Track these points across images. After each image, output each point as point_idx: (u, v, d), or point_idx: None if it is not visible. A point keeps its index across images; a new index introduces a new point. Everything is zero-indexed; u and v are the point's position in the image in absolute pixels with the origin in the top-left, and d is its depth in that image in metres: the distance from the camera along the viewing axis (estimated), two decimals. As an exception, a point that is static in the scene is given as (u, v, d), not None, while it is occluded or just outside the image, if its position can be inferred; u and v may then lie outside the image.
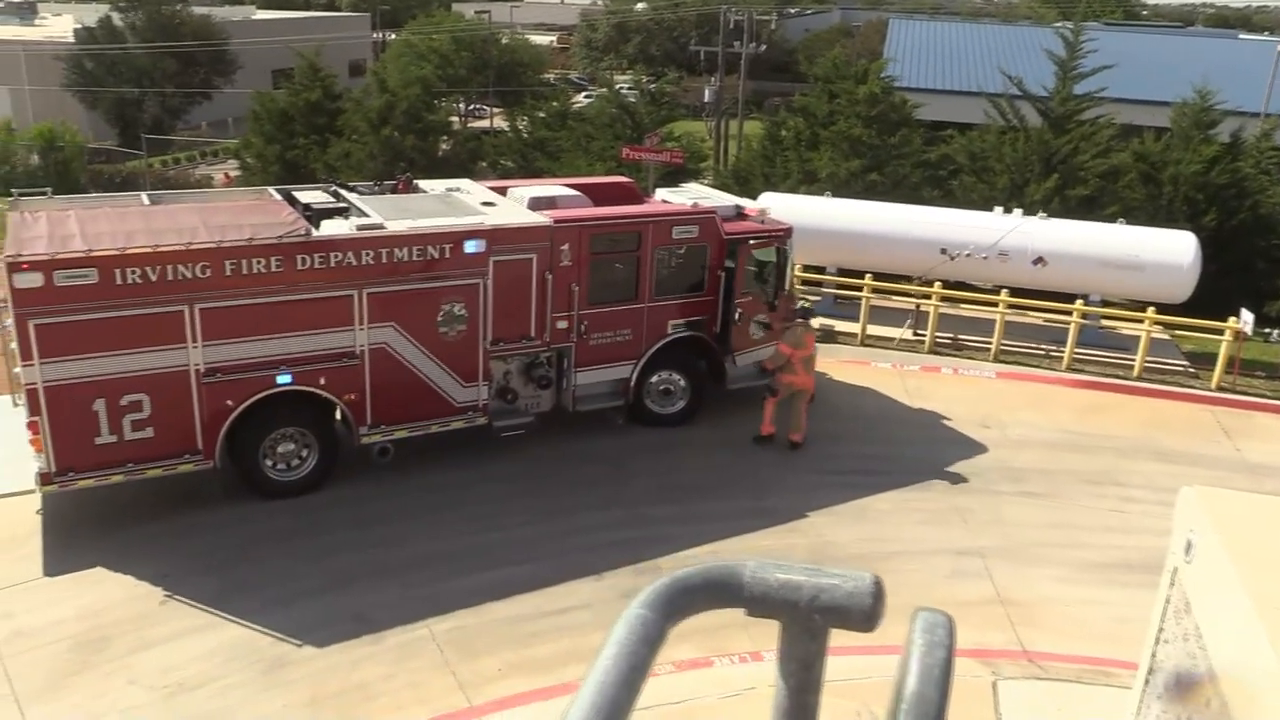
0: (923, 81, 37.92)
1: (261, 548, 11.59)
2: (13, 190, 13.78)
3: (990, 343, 19.18)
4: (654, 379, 14.90)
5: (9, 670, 9.54)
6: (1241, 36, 64.30)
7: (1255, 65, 36.86)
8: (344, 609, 10.55)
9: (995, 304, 19.16)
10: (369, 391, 12.55)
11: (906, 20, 54.47)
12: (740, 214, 15.56)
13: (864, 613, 1.25)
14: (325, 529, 12.02)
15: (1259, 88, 33.07)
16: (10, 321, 11.01)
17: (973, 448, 15.12)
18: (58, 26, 64.49)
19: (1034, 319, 20.13)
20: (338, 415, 12.75)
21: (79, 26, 56.96)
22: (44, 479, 11.21)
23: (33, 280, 10.54)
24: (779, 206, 17.50)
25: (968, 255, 19.57)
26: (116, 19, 55.71)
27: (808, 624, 1.26)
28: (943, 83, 39.09)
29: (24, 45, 57.73)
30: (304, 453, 12.63)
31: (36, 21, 70.50)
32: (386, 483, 13.04)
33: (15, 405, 12.40)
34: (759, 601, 1.29)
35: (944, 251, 19.73)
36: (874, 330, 19.73)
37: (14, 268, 10.49)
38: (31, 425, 11.00)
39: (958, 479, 14.10)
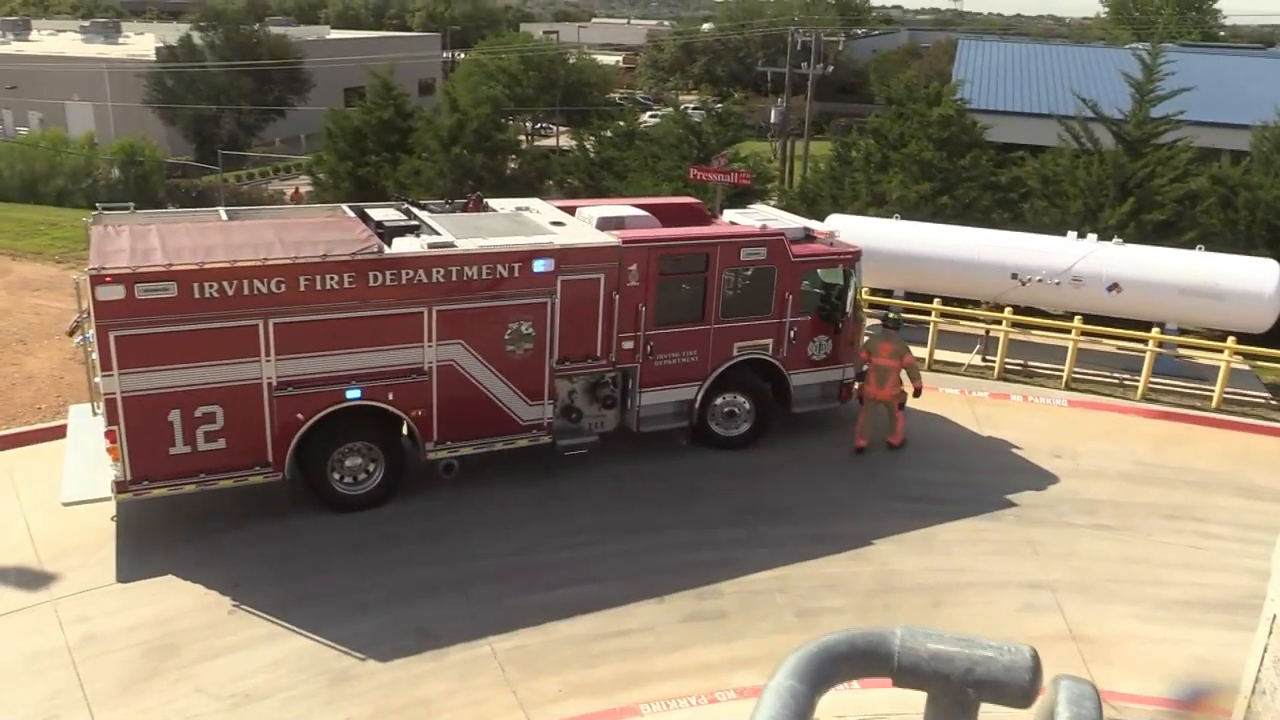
0: (993, 103, 37.41)
1: (329, 560, 11.71)
2: (96, 205, 14.15)
3: (1062, 370, 18.77)
4: (719, 401, 14.81)
5: (81, 673, 9.74)
6: (1325, 58, 62.50)
7: (1340, 88, 35.78)
8: (408, 623, 10.61)
9: (1068, 330, 18.75)
10: (436, 407, 12.64)
11: (976, 40, 53.86)
12: (809, 236, 15.45)
13: (1022, 688, 1.17)
14: (392, 543, 12.12)
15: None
16: (92, 333, 11.28)
17: (1044, 478, 14.78)
18: (140, 45, 66.49)
19: (1108, 347, 19.68)
20: (404, 430, 12.85)
21: (160, 45, 58.71)
22: (119, 486, 11.45)
23: (115, 293, 10.81)
24: (846, 228, 17.37)
25: (1039, 280, 19.21)
26: (196, 38, 57.35)
27: (959, 697, 1.18)
28: (1013, 104, 38.52)
29: (108, 63, 59.60)
30: (371, 467, 12.75)
31: (120, 40, 72.71)
32: (454, 498, 13.12)
33: (95, 414, 12.73)
34: (909, 672, 1.21)
35: (1015, 276, 19.40)
36: (942, 355, 19.43)
37: (97, 280, 10.77)
38: (109, 434, 11.27)
39: (1028, 510, 13.78)
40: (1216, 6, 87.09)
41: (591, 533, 12.60)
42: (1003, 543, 12.93)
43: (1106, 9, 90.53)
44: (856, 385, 15.40)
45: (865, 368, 15.22)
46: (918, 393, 15.54)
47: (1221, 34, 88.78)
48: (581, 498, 13.44)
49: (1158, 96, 24.25)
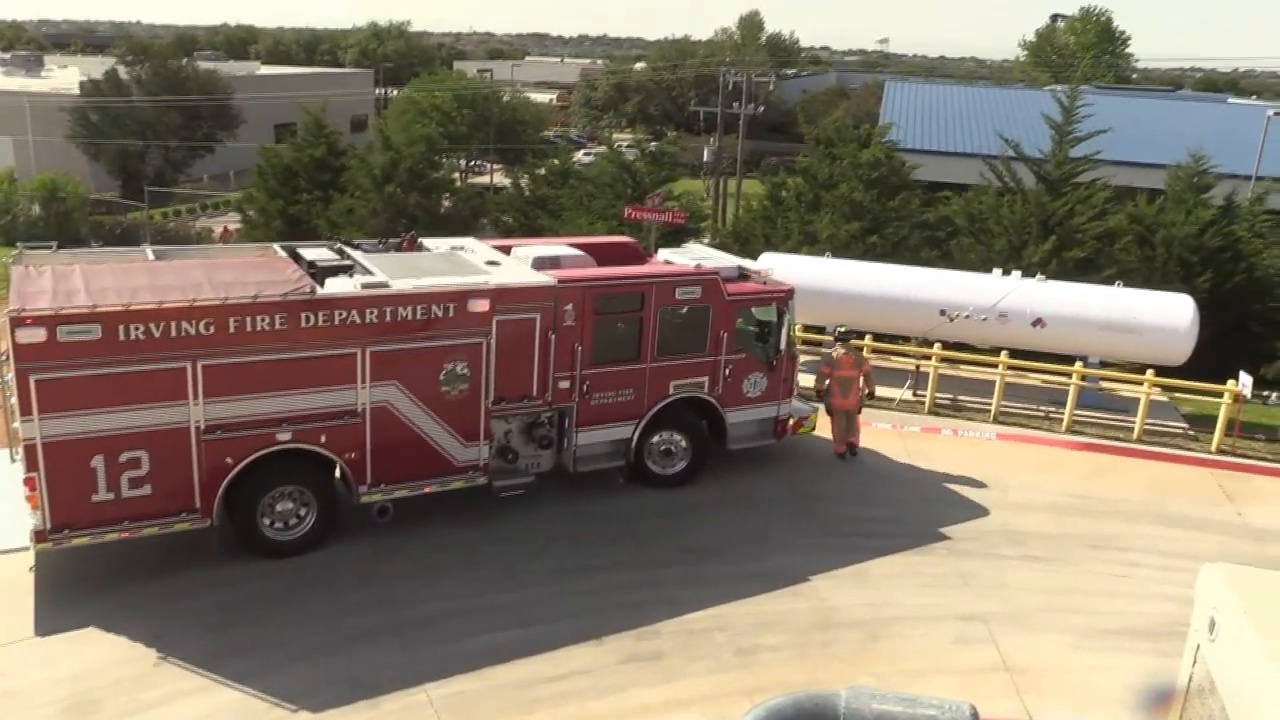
0: (919, 143, 38.38)
1: (259, 608, 11.42)
2: (17, 244, 13.79)
3: (990, 404, 19.18)
4: (655, 439, 14.84)
5: (-2, 733, 9.36)
6: (1230, 100, 65.32)
7: (1245, 129, 37.42)
8: (342, 672, 10.38)
9: (995, 365, 19.19)
10: (369, 450, 12.47)
11: (902, 82, 55.27)
12: (743, 275, 15.63)
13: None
14: (325, 589, 11.87)
15: (1250, 151, 33.54)
16: (11, 376, 10.96)
17: (974, 510, 15.04)
18: (64, 79, 65.15)
19: (1033, 380, 20.16)
20: (337, 473, 12.65)
21: (85, 79, 57.58)
22: (39, 536, 11.07)
23: (35, 335, 10.51)
24: (780, 267, 17.59)
25: (966, 316, 19.66)
26: (123, 72, 56.38)
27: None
28: (939, 144, 39.57)
29: (29, 96, 58.26)
30: (303, 511, 12.51)
31: (43, 74, 71.22)
32: (388, 541, 12.91)
33: (13, 460, 12.32)
34: (854, 734, 1.23)
35: (943, 313, 19.83)
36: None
37: (17, 322, 10.47)
38: (28, 481, 10.90)
39: (960, 542, 13.99)
40: (1129, 50, 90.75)
41: (529, 575, 12.48)
42: (936, 576, 13.10)
43: (1025, 52, 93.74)
44: (827, 398, 16.38)
45: (827, 382, 16.31)
46: (872, 395, 17.05)
47: (1134, 77, 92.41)
48: (519, 540, 13.32)
49: (1076, 138, 25.10)
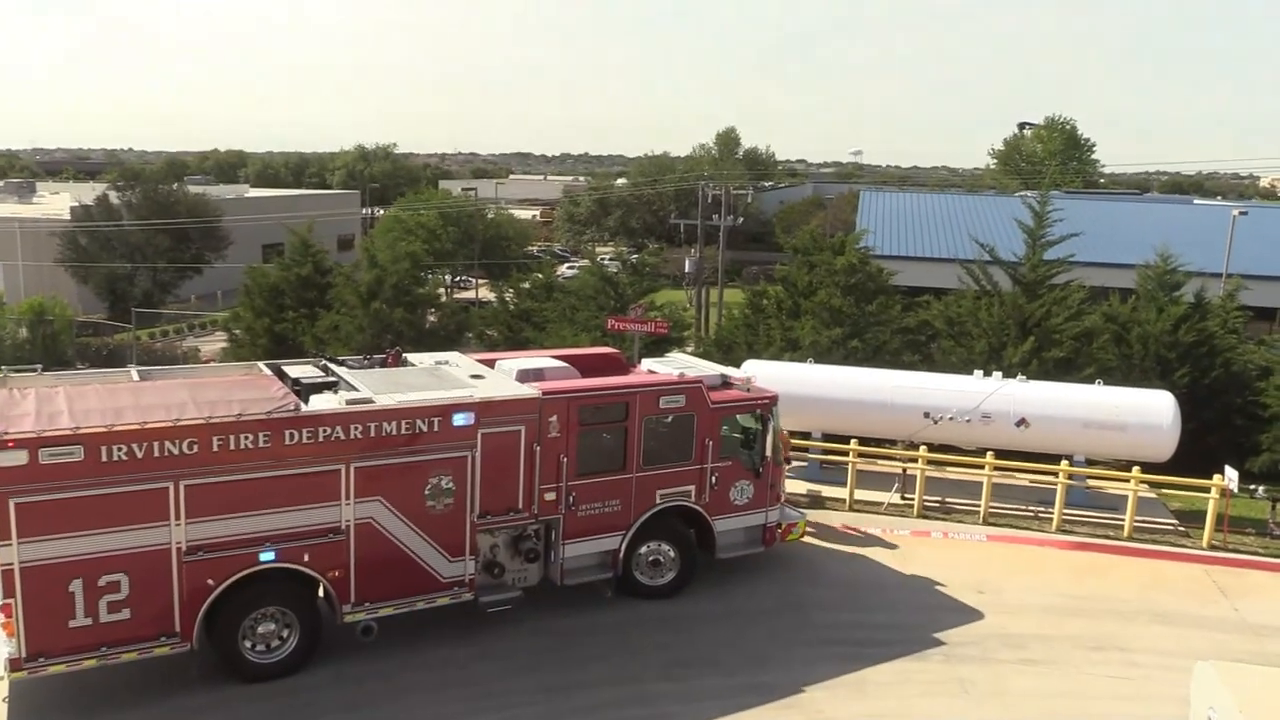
0: (896, 249, 39.09)
1: (239, 735, 11.10)
2: (2, 367, 13.80)
3: (979, 505, 19.12)
4: (643, 549, 14.70)
5: None
6: (1196, 201, 67.06)
7: (1212, 227, 38.41)
8: (324, 801, 10.04)
9: (981, 466, 19.20)
10: (354, 567, 12.30)
11: (877, 191, 56.56)
12: (726, 382, 15.72)
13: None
14: (312, 713, 11.56)
15: (1217, 250, 34.29)
16: (-10, 500, 10.82)
17: (968, 614, 14.86)
18: (55, 204, 66.08)
19: (1021, 480, 20.14)
20: (320, 592, 12.44)
21: (76, 204, 58.40)
22: (13, 664, 10.81)
23: (17, 458, 10.45)
24: (763, 374, 17.72)
25: (951, 419, 19.75)
26: (113, 196, 57.20)
27: None
28: (915, 249, 40.29)
29: (20, 222, 58.97)
30: (285, 633, 12.27)
31: (35, 200, 72.27)
32: (374, 662, 12.64)
33: (-10, 587, 12.09)
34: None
35: (927, 415, 19.92)
36: (862, 495, 19.66)
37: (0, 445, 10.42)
38: (4, 608, 10.69)
39: (956, 647, 13.78)
40: (1095, 156, 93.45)
41: (518, 694, 12.19)
42: (933, 683, 12.86)
43: (995, 160, 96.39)
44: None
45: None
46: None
47: (1101, 181, 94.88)
48: (506, 657, 13.06)
49: (1049, 241, 25.60)
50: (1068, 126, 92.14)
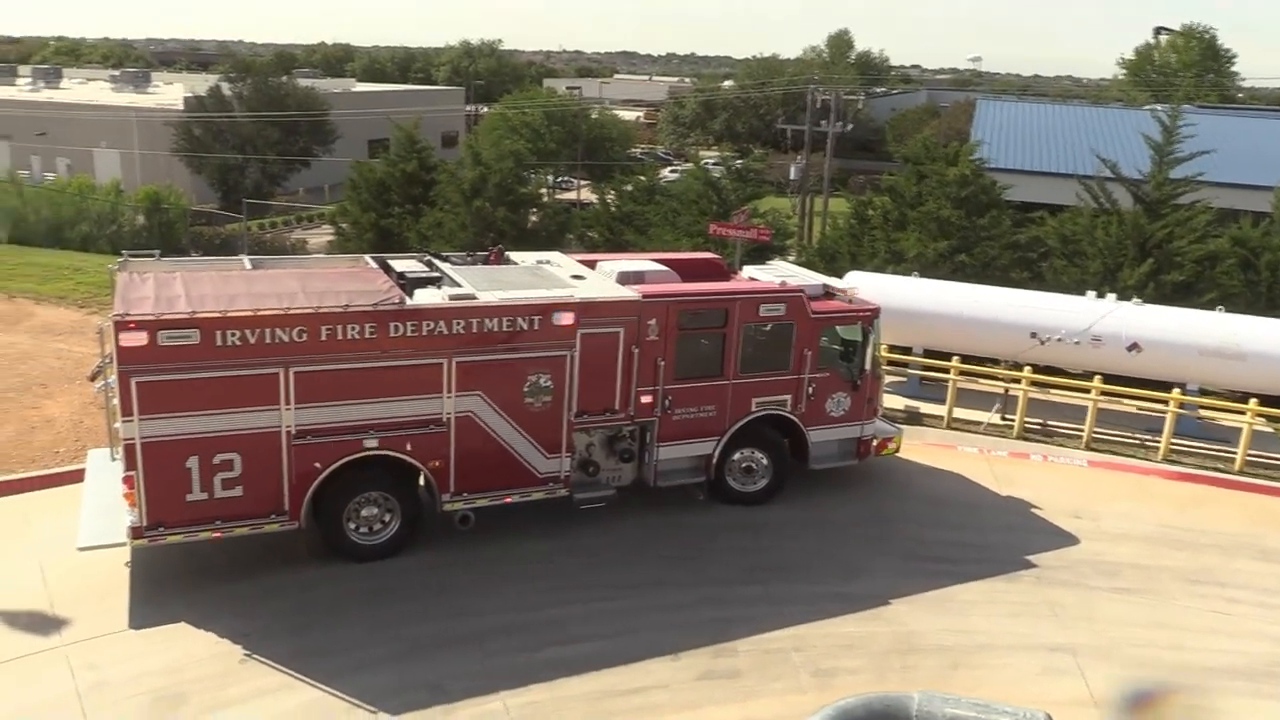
0: (1012, 162, 37.59)
1: (343, 611, 11.64)
2: (122, 251, 14.34)
3: (1082, 430, 18.64)
4: (736, 456, 14.75)
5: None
6: (1344, 121, 62.66)
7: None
8: (420, 677, 10.51)
9: (1087, 390, 18.66)
10: (453, 459, 12.64)
11: (995, 100, 54.30)
12: (828, 293, 15.48)
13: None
14: (406, 595, 12.05)
15: (1365, 173, 32.12)
16: (114, 378, 11.37)
17: (1063, 539, 14.61)
18: (169, 95, 67.69)
19: (1128, 407, 19.53)
20: (421, 481, 12.84)
21: (189, 95, 59.76)
22: (135, 533, 11.45)
23: (137, 339, 10.90)
24: (866, 285, 17.38)
25: (1059, 340, 19.17)
26: (225, 88, 58.36)
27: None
28: (1032, 164, 38.69)
29: (137, 111, 60.69)
30: (386, 517, 12.73)
31: (150, 90, 74.06)
32: (469, 551, 13.05)
33: (113, 459, 12.79)
34: (928, 739, 1.19)
35: (1034, 335, 19.37)
36: (960, 414, 19.33)
37: (121, 326, 10.87)
38: (127, 479, 11.30)
39: (1048, 571, 13.60)
40: (1234, 69, 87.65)
41: (607, 588, 12.50)
42: (1021, 604, 12.75)
43: (1124, 71, 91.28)
44: None
45: None
46: None
47: (1240, 96, 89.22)
48: (597, 553, 13.35)
49: (1176, 159, 24.32)
50: (1206, 36, 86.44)
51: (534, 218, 33.78)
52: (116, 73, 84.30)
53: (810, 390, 14.83)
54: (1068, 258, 24.40)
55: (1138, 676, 11.14)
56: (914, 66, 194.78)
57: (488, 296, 12.67)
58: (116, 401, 11.39)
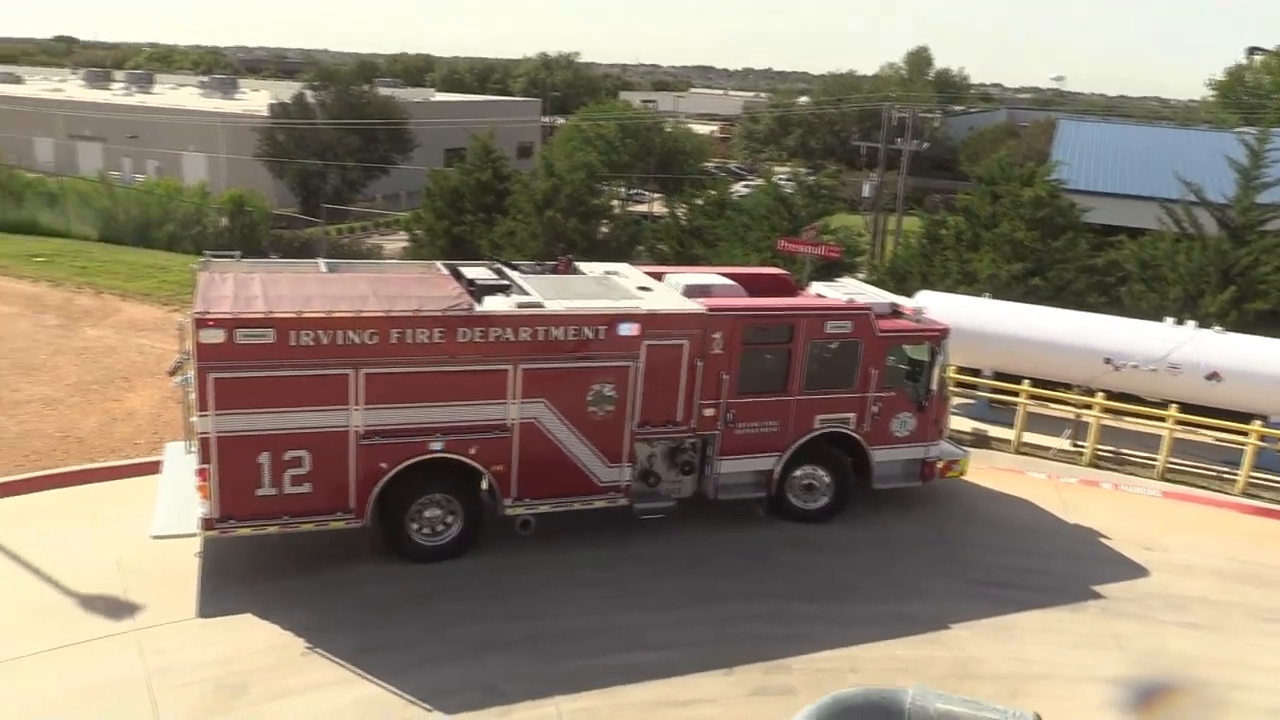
0: (1092, 184, 36.82)
1: (403, 610, 11.84)
2: (204, 251, 14.81)
3: (1156, 459, 18.18)
4: (798, 473, 14.68)
5: (156, 702, 9.97)
6: None
7: None
8: (476, 678, 10.64)
9: (1163, 419, 18.20)
10: (516, 464, 12.79)
11: (1077, 121, 53.31)
12: (896, 311, 15.35)
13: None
14: (466, 596, 12.22)
15: None
16: (192, 374, 11.74)
17: (1132, 569, 14.26)
18: (255, 101, 69.60)
19: (1205, 437, 19.00)
20: (484, 485, 13.01)
21: (274, 102, 61.36)
22: (206, 524, 11.80)
23: (216, 336, 11.25)
24: (936, 306, 17.19)
25: (1134, 366, 18.74)
26: (309, 96, 59.81)
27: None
28: (1113, 186, 37.87)
29: (223, 117, 62.52)
30: (449, 519, 12.92)
31: (237, 96, 76.23)
32: (529, 555, 13.19)
33: (189, 452, 13.18)
34: (919, 731, 1.23)
35: (1108, 361, 18.95)
36: (1030, 438, 19.00)
37: (200, 324, 11.23)
38: (201, 472, 11.64)
39: (1114, 602, 13.29)
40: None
41: (663, 598, 12.53)
42: (1086, 635, 12.48)
43: (1214, 92, 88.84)
44: None
45: None
46: None
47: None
48: (655, 563, 13.39)
49: (1264, 183, 23.66)
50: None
51: (604, 229, 34.01)
52: (205, 79, 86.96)
53: (875, 409, 14.70)
54: (1147, 283, 23.87)
55: (1144, 676, 10.83)
56: (995, 85, 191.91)
57: (555, 305, 12.82)
58: (194, 396, 11.75)
